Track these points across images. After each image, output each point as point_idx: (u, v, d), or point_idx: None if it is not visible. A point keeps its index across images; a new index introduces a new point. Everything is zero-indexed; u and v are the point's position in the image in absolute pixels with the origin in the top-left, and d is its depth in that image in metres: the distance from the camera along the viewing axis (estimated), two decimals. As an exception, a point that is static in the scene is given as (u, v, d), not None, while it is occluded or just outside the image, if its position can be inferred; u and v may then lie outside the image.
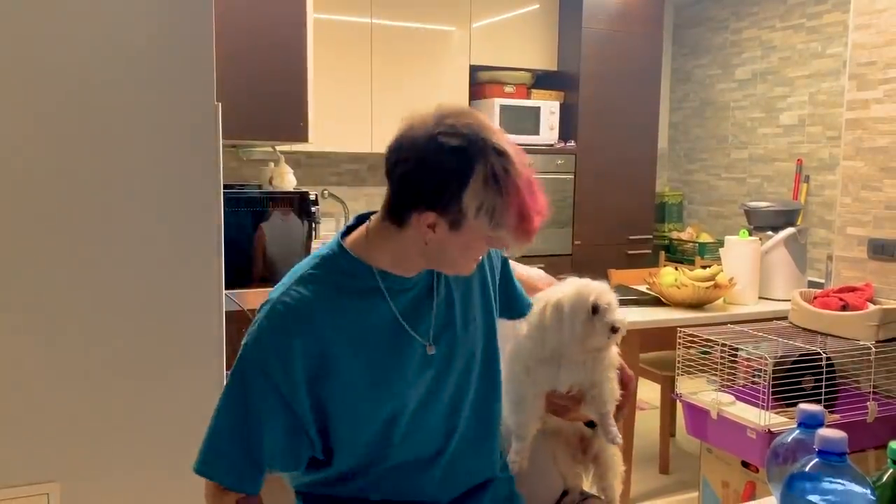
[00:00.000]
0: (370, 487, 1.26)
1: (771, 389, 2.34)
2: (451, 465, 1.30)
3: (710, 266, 3.28)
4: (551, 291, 1.43)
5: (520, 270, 1.59)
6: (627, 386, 1.49)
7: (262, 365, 1.13)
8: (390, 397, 1.21)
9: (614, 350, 1.46)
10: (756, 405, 2.35)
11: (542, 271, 1.67)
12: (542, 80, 5.18)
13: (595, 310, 1.36)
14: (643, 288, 3.36)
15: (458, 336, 1.28)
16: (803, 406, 1.01)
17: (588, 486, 1.58)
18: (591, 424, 1.50)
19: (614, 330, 1.36)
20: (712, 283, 3.08)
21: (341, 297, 1.17)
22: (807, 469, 0.88)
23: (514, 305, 1.48)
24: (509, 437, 1.45)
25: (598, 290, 1.39)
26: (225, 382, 1.17)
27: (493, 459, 1.39)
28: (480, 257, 1.24)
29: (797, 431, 1.01)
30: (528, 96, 5.02)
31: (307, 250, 2.86)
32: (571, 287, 1.40)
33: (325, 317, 1.15)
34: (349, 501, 1.28)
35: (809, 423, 0.99)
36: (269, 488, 1.28)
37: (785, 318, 2.84)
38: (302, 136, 3.08)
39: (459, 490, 1.33)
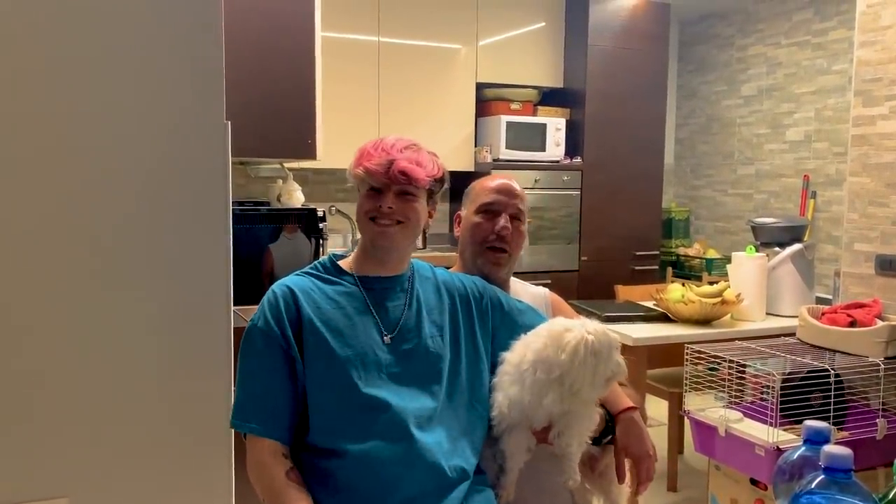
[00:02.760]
0: (345, 470, 1.35)
1: (779, 406, 2.33)
2: (417, 457, 1.35)
3: (717, 282, 3.28)
4: (558, 329, 1.40)
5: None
6: (639, 464, 1.49)
7: (266, 332, 1.40)
8: (352, 364, 1.40)
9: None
10: (764, 422, 2.34)
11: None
12: (549, 97, 5.21)
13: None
14: (650, 304, 3.36)
15: (423, 343, 1.46)
16: (809, 423, 1.01)
17: (597, 502, 1.58)
18: (596, 441, 1.50)
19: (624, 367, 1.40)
20: (719, 299, 3.08)
21: (321, 282, 1.48)
22: (813, 486, 0.88)
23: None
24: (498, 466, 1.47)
25: (609, 331, 1.41)
26: (232, 391, 1.28)
27: (462, 460, 1.42)
28: (375, 213, 1.46)
29: (803, 448, 1.01)
30: (534, 113, 5.05)
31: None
32: (596, 327, 1.40)
33: (306, 293, 1.44)
34: (327, 480, 1.36)
35: (815, 440, 0.99)
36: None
37: (792, 335, 2.83)
38: (310, 154, 3.11)
39: (426, 485, 1.36)
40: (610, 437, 1.52)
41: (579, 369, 1.35)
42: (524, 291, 1.80)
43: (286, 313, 1.41)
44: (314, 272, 1.50)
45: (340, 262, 1.53)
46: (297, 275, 1.50)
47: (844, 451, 0.87)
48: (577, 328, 1.39)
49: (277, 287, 1.46)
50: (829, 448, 0.88)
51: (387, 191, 1.44)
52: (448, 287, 1.57)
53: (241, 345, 1.44)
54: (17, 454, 1.44)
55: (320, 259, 1.55)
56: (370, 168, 1.43)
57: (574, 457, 1.41)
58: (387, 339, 1.44)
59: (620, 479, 1.52)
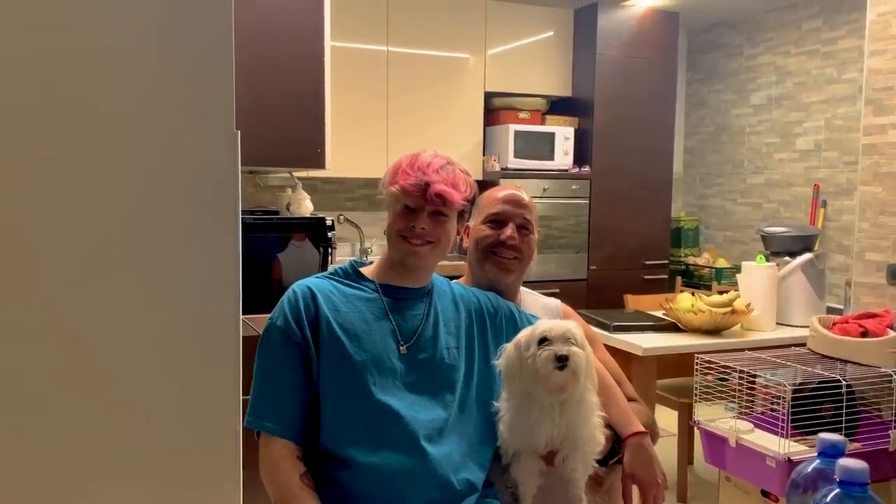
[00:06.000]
0: (353, 481, 1.36)
1: (790, 417, 2.31)
2: (427, 469, 1.35)
3: (727, 292, 3.26)
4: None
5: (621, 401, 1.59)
6: (646, 492, 1.47)
7: (285, 331, 1.41)
8: (367, 369, 1.40)
9: (590, 403, 1.42)
10: (775, 433, 2.32)
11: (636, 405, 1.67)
12: (557, 106, 5.20)
13: (542, 341, 1.35)
14: (660, 313, 3.34)
15: (439, 353, 1.46)
16: (824, 435, 1.00)
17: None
18: (602, 462, 1.48)
19: (559, 360, 1.32)
20: (729, 308, 3.06)
21: (341, 286, 1.48)
22: (828, 500, 0.87)
23: None
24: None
25: (553, 324, 1.38)
26: (241, 400, 1.29)
27: (471, 473, 1.41)
28: (408, 232, 1.45)
29: (817, 461, 1.00)
30: (542, 122, 5.05)
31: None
32: (553, 324, 1.39)
33: (325, 295, 1.45)
34: (338, 489, 1.37)
35: (830, 453, 0.98)
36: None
37: (803, 345, 2.81)
38: (319, 164, 3.11)
39: (434, 497, 1.36)
40: (616, 458, 1.51)
41: (514, 372, 1.39)
42: (535, 303, 1.80)
43: (305, 313, 1.41)
44: (334, 276, 1.51)
45: (362, 269, 1.53)
46: (317, 277, 1.51)
47: (860, 464, 0.86)
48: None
49: (297, 287, 1.46)
50: (845, 461, 0.87)
51: (421, 211, 1.44)
52: (464, 301, 1.57)
53: (258, 343, 1.44)
54: (24, 463, 1.44)
55: (341, 265, 1.57)
56: (407, 187, 1.43)
57: (579, 482, 1.39)
58: (402, 348, 1.44)
59: None
